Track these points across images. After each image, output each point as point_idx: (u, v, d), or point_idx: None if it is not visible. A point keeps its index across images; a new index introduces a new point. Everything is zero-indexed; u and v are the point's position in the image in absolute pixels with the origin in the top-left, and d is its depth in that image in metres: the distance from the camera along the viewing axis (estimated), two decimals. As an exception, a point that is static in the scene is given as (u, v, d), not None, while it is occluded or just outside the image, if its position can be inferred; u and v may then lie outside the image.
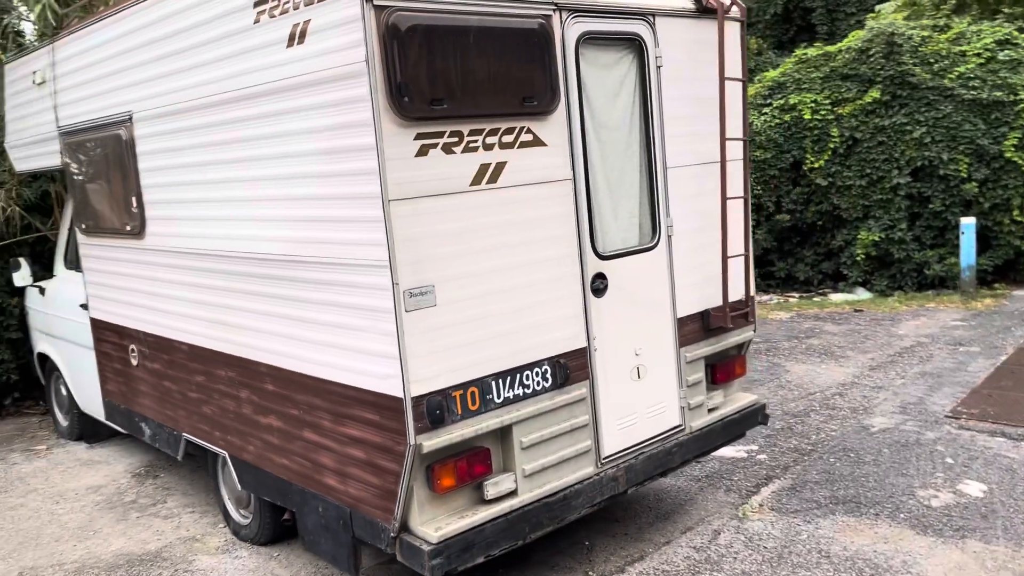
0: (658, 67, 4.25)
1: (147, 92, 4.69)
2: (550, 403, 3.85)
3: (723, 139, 4.39)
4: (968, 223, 10.43)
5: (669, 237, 4.37)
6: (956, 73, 10.80)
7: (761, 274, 12.29)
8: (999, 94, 10.58)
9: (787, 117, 11.61)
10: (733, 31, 4.52)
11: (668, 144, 4.33)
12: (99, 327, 5.98)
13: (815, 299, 11.44)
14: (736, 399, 4.88)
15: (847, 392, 7.09)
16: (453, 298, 3.48)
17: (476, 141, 3.53)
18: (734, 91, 4.51)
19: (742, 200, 4.61)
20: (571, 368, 3.92)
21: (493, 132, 3.59)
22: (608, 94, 4.10)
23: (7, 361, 7.83)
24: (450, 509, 3.65)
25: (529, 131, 3.72)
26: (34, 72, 6.10)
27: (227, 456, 4.72)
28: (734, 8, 4.50)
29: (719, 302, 4.55)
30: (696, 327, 4.53)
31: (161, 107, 4.58)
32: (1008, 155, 10.55)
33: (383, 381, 3.45)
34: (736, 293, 4.65)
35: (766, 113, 11.81)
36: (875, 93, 11.07)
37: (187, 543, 5.10)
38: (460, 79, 3.42)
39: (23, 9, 8.14)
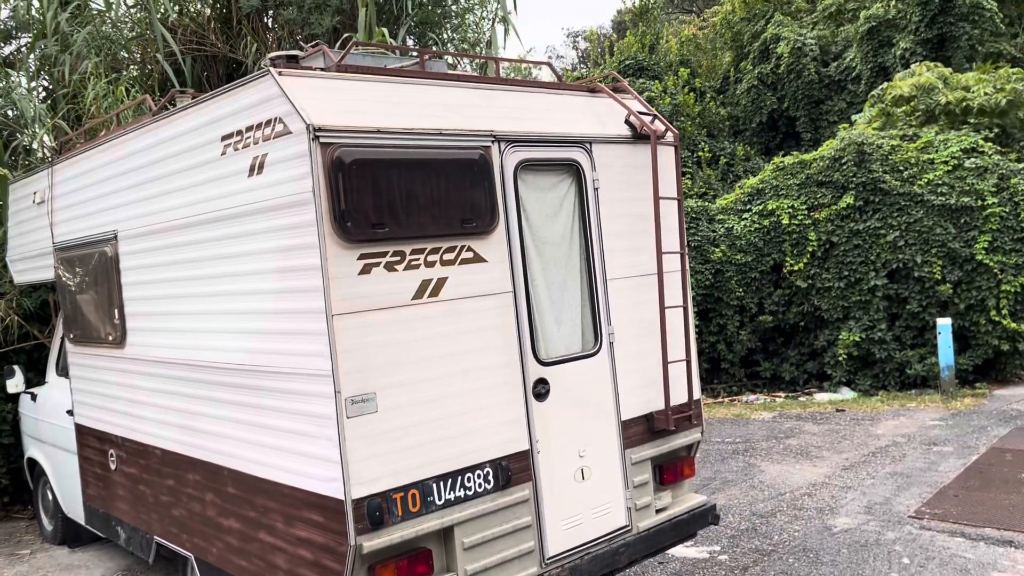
0: (595, 188, 4.61)
1: (131, 213, 5.08)
2: (492, 504, 4.05)
3: (659, 253, 4.71)
4: (944, 324, 10.66)
5: (611, 344, 4.63)
6: (925, 180, 11.23)
7: (747, 374, 12.48)
8: (967, 199, 10.98)
9: (766, 222, 12.01)
10: (667, 155, 4.90)
11: (607, 258, 4.65)
12: (82, 432, 6.23)
13: (800, 399, 11.58)
14: (685, 499, 5.04)
15: (816, 492, 7.20)
16: (395, 404, 3.73)
17: (418, 259, 3.86)
18: (670, 209, 4.86)
19: (682, 308, 4.89)
20: (513, 470, 4.13)
21: (435, 251, 3.92)
22: (547, 213, 4.45)
23: (-2, 466, 8.06)
24: (393, 609, 3.80)
25: (470, 249, 4.05)
26: (34, 192, 6.56)
27: (192, 558, 4.89)
28: (668, 134, 4.89)
29: (663, 405, 4.77)
30: (641, 429, 4.74)
31: (142, 227, 4.96)
32: (979, 258, 10.86)
33: (326, 484, 3.68)
34: (679, 397, 4.88)
35: (746, 218, 12.23)
36: (849, 199, 11.49)
37: (154, 646, 5.21)
38: (402, 205, 3.78)
39: (36, 128, 8.69)
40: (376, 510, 3.64)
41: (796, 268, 11.76)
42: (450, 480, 3.90)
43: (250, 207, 3.98)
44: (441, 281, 3.93)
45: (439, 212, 3.91)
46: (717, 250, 12.04)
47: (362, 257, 3.68)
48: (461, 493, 3.94)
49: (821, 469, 7.91)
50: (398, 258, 3.79)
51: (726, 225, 12.26)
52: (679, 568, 5.75)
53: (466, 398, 3.98)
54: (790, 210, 11.88)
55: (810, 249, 11.69)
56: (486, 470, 4.04)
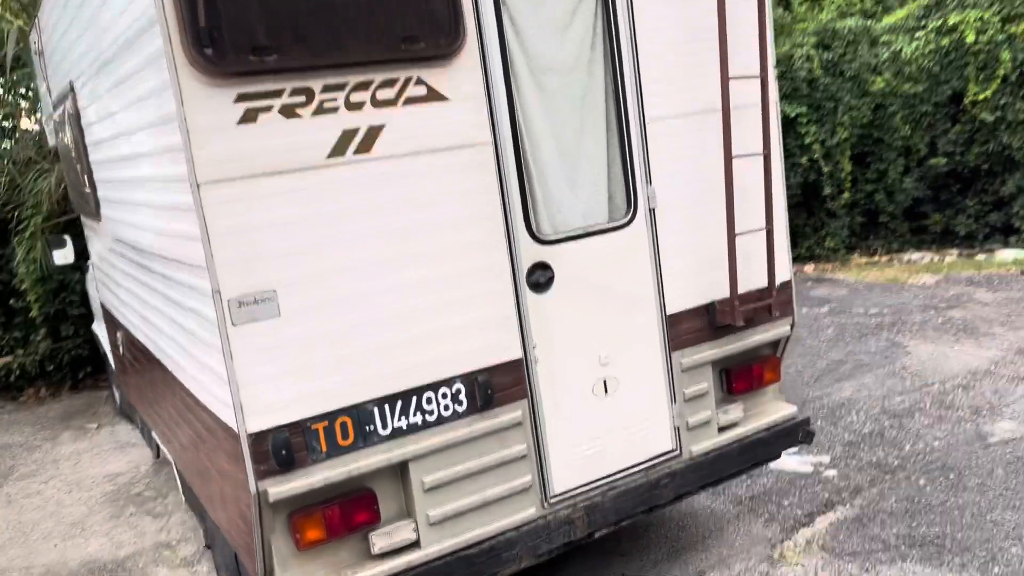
0: (629, -15, 3.22)
1: (76, 57, 4.18)
2: (466, 431, 3.02)
3: (724, 77, 3.30)
4: None
5: (651, 211, 3.36)
6: None
7: (912, 229, 10.56)
8: None
9: (945, 41, 9.73)
10: (741, -70, 3.37)
11: (647, 88, 3.30)
12: (103, 309, 5.70)
13: (977, 258, 9.65)
14: (766, 412, 3.81)
15: (975, 384, 5.69)
16: (307, 305, 2.71)
17: (335, 99, 2.71)
18: (743, 11, 3.38)
19: (762, 158, 3.49)
20: (497, 386, 3.06)
21: (362, 86, 2.75)
22: (551, 26, 3.12)
23: (73, 336, 7.86)
24: (328, 566, 2.93)
25: (420, 82, 2.84)
26: (33, 43, 5.82)
27: (173, 462, 4.24)
28: (745, -102, 3.35)
29: (727, 292, 3.49)
30: (697, 325, 3.51)
31: (83, 74, 4.06)
32: None
33: (227, 410, 2.76)
34: (755, 280, 3.57)
35: (919, 38, 9.95)
36: (1059, 4, 9.03)
37: (158, 550, 4.71)
38: (302, 17, 2.60)
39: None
40: (284, 446, 2.70)
41: (982, 98, 9.52)
42: (400, 402, 2.89)
43: (125, 41, 2.93)
44: (374, 130, 2.78)
45: (366, 27, 2.71)
46: (879, 79, 9.93)
47: (242, 99, 2.57)
48: (417, 419, 2.93)
49: (988, 352, 6.31)
50: (301, 98, 2.66)
51: (893, 48, 10.06)
52: (771, 484, 4.58)
53: (422, 292, 2.89)
54: (978, 23, 9.51)
55: (1001, 73, 9.38)
56: (455, 387, 2.99)
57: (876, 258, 10.27)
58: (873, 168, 10.23)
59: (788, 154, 10.15)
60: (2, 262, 7.80)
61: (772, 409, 3.84)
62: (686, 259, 3.45)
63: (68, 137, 4.99)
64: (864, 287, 8.73)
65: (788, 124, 10.03)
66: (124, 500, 5.46)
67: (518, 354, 3.10)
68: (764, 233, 3.54)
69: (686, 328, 3.48)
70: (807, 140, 9.94)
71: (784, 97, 10.00)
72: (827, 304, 8.17)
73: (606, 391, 3.32)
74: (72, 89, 4.41)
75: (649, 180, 3.34)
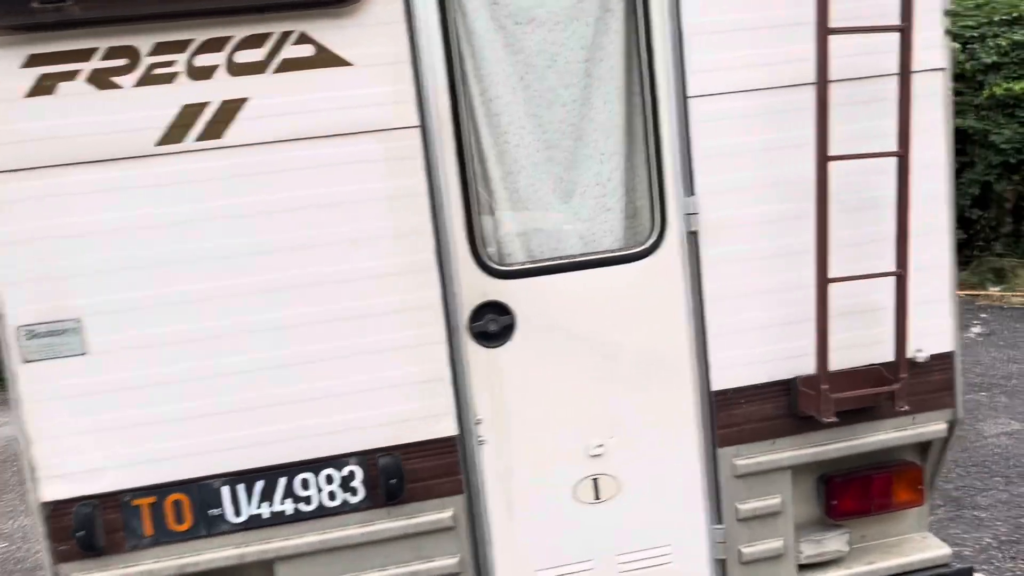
0: None
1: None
2: (360, 531, 2.16)
3: (823, 29, 2.04)
4: None
5: (691, 234, 2.21)
6: None
7: None
8: None
9: None
10: None
11: (692, 48, 2.14)
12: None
13: None
14: (892, 549, 2.47)
15: None
16: (128, 341, 2.02)
17: (171, 63, 1.97)
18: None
19: (896, 159, 2.16)
20: (412, 474, 2.16)
21: (214, 45, 1.97)
22: (531, -46, 2.10)
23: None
24: None
25: (305, 39, 2.00)
26: None
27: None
28: None
29: (815, 367, 2.23)
30: (767, 410, 2.30)
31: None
32: None
33: (39, 466, 2.17)
34: (872, 350, 2.27)
35: None
36: None
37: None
38: (119, -51, 1.88)
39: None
40: (87, 524, 2.05)
41: None
42: (261, 483, 2.11)
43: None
44: (230, 107, 1.99)
45: (218, -39, 1.92)
46: None
47: (33, 62, 1.92)
48: (286, 507, 2.13)
49: None
50: (121, 62, 1.94)
51: None
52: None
53: (297, 336, 2.08)
54: None
55: None
56: (346, 469, 2.14)
57: None
58: None
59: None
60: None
61: (907, 547, 2.48)
62: (749, 310, 2.25)
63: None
64: None
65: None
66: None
67: (450, 430, 2.17)
68: (895, 279, 2.21)
69: (746, 413, 2.29)
70: None
71: None
72: None
73: (597, 495, 2.27)
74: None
75: (690, 189, 2.19)
